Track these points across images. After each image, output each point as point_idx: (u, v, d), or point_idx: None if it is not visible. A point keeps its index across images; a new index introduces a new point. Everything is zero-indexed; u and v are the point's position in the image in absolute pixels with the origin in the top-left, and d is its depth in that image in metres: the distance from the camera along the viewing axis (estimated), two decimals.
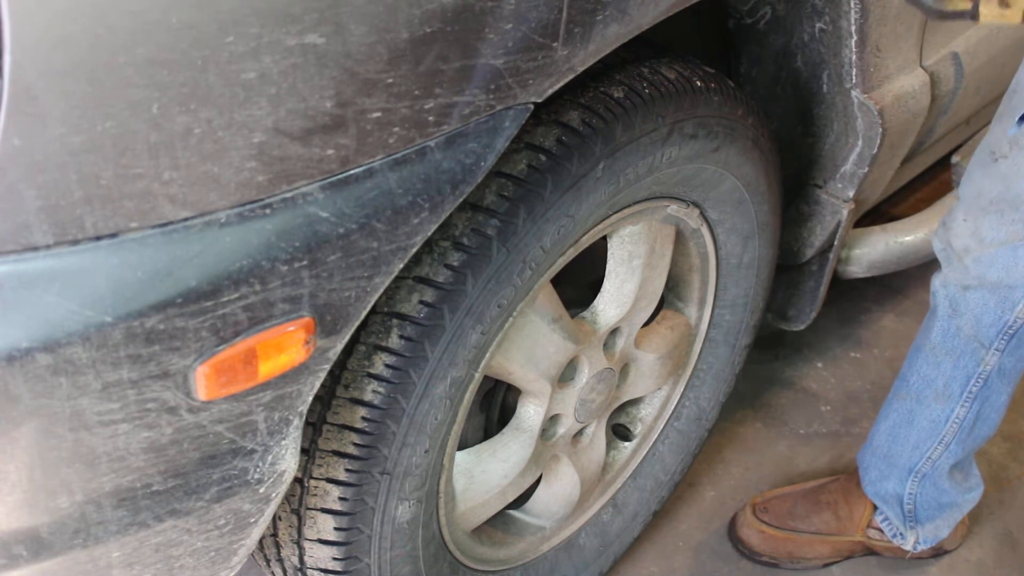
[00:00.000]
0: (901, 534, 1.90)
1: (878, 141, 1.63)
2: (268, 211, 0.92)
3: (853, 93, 1.58)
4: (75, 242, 0.85)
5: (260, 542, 1.39)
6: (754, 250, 1.73)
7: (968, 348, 1.67)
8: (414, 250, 1.04)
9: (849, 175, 1.70)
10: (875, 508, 1.91)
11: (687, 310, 1.78)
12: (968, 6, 1.15)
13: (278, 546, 1.37)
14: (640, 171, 1.37)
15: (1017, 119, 1.48)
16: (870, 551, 1.96)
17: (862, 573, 1.96)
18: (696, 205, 1.58)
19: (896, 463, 1.82)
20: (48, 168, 0.82)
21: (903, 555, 1.94)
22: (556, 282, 1.45)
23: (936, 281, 1.68)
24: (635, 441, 1.85)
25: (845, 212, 1.75)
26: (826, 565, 1.96)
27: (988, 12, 1.15)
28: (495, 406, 1.61)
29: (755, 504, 1.98)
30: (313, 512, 1.28)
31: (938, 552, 1.97)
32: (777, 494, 2.00)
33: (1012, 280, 1.56)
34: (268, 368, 0.99)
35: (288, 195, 0.93)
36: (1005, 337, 1.63)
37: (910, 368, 1.78)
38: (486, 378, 1.45)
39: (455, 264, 1.20)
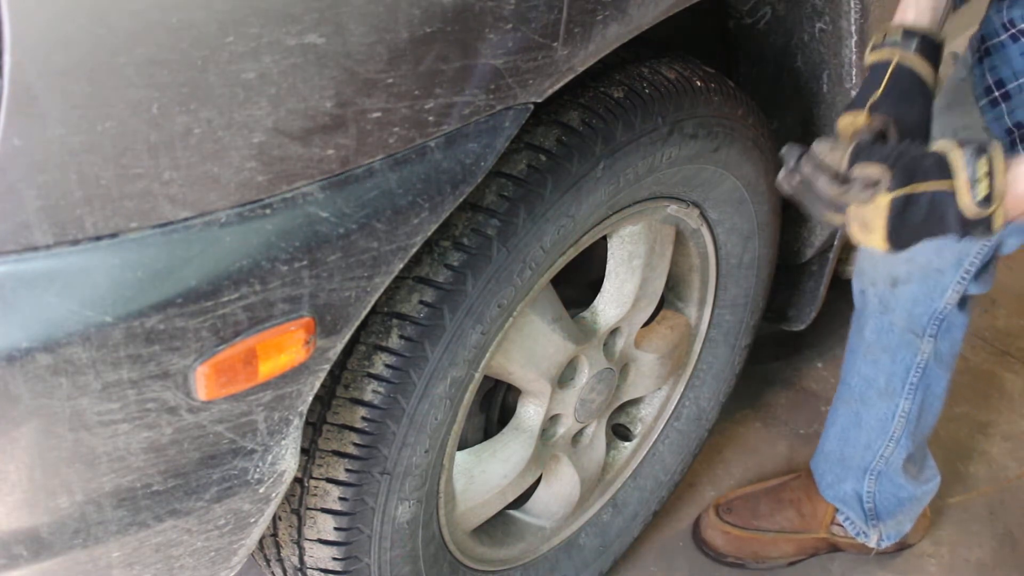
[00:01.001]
0: (864, 532, 1.90)
1: None
2: (268, 211, 0.92)
3: (853, 93, 1.58)
4: (75, 242, 0.85)
5: (260, 542, 1.39)
6: (754, 250, 1.73)
7: (903, 341, 1.68)
8: (414, 250, 1.04)
9: None
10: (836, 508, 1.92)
11: (687, 310, 1.78)
12: (842, 221, 1.18)
13: (278, 546, 1.37)
14: (640, 171, 1.37)
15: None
16: (835, 548, 1.96)
17: (862, 573, 1.96)
18: (696, 205, 1.58)
19: (850, 465, 1.83)
20: (48, 168, 0.82)
21: (868, 552, 1.95)
22: (556, 282, 1.45)
23: (861, 282, 1.70)
24: (635, 441, 1.85)
25: None
26: (792, 563, 1.96)
27: (854, 233, 1.18)
28: (495, 406, 1.61)
29: (718, 505, 1.98)
30: (313, 512, 1.28)
31: (902, 546, 1.97)
32: (740, 494, 2.00)
33: (940, 264, 1.57)
34: (268, 368, 0.99)
35: (288, 195, 0.93)
36: (936, 322, 1.64)
37: (850, 371, 1.79)
38: (486, 378, 1.45)
39: (455, 264, 1.20)
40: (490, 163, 1.05)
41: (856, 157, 1.14)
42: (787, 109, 1.71)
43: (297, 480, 1.27)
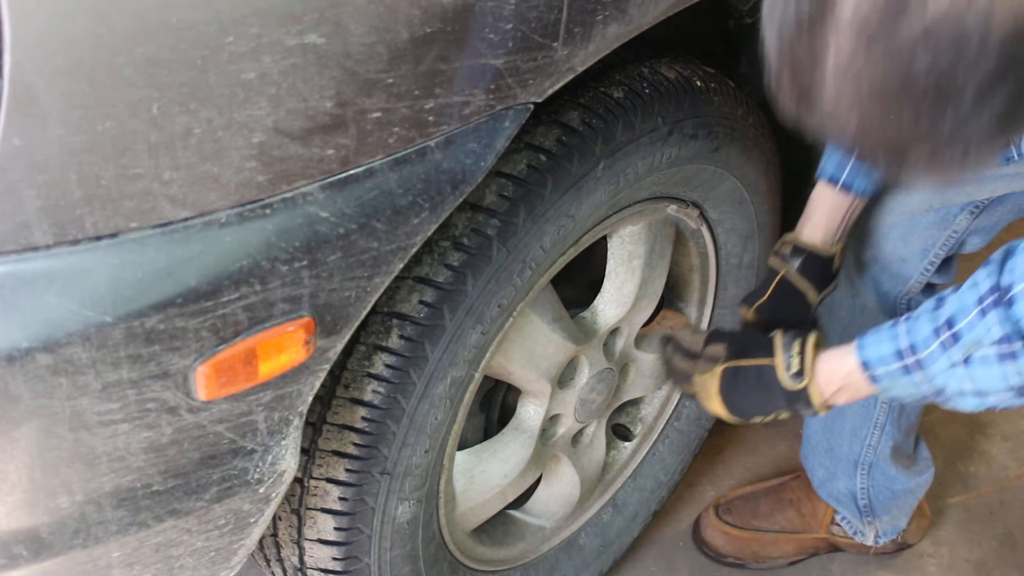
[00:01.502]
0: (860, 531, 1.90)
1: None
2: (268, 211, 0.92)
3: None
4: (75, 242, 0.85)
5: (260, 542, 1.39)
6: (754, 250, 1.73)
7: (876, 323, 1.68)
8: (414, 250, 1.04)
9: None
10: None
11: (687, 310, 1.78)
12: (693, 391, 1.44)
13: (278, 546, 1.37)
14: (640, 171, 1.37)
15: None
16: (835, 548, 1.96)
17: (862, 573, 1.96)
18: (696, 205, 1.58)
19: (838, 456, 1.82)
20: (48, 168, 0.82)
21: (867, 551, 1.95)
22: (556, 282, 1.45)
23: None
24: (635, 441, 1.85)
25: None
26: (792, 563, 1.96)
27: (700, 400, 1.43)
28: (495, 406, 1.61)
29: (718, 505, 1.98)
30: (313, 512, 1.28)
31: (902, 546, 1.97)
32: (740, 493, 2.00)
33: (905, 253, 1.58)
34: (268, 368, 0.99)
35: (288, 195, 0.93)
36: (904, 306, 1.64)
37: None
38: (486, 378, 1.45)
39: (455, 264, 1.20)
40: (490, 163, 1.05)
41: (709, 340, 1.41)
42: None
43: (297, 480, 1.27)
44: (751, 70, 1.69)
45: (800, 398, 1.33)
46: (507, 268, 1.25)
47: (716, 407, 1.39)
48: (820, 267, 1.43)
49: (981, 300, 1.16)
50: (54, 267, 0.85)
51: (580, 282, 1.62)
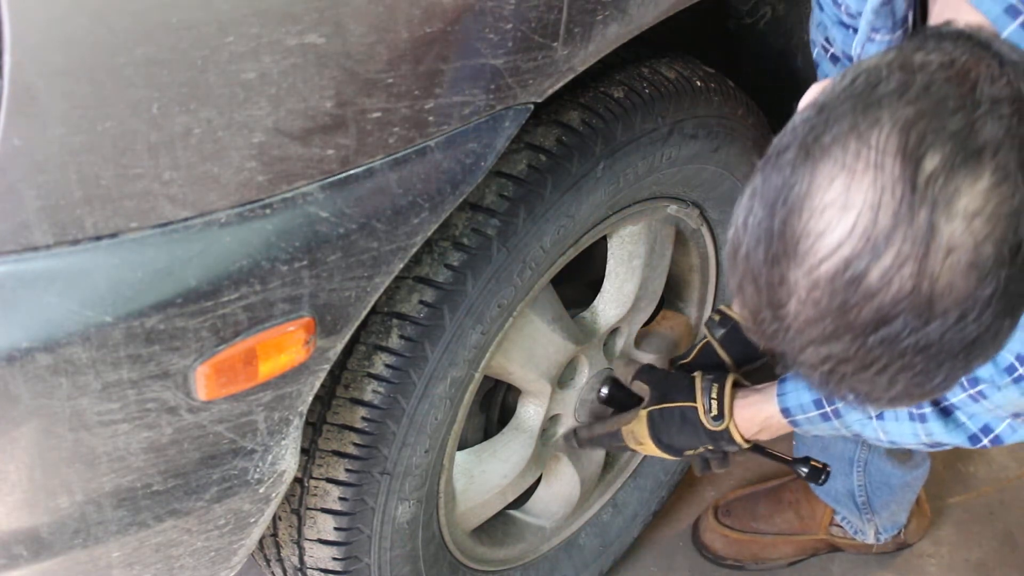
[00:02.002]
0: (861, 530, 1.90)
1: None
2: (268, 211, 0.92)
3: None
4: (75, 242, 0.85)
5: (260, 542, 1.39)
6: None
7: None
8: (414, 250, 1.04)
9: None
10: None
11: (687, 310, 1.78)
12: (624, 445, 1.53)
13: (278, 546, 1.37)
14: (640, 171, 1.37)
15: None
16: (835, 548, 1.96)
17: (862, 573, 1.96)
18: (696, 205, 1.58)
19: (833, 455, 1.82)
20: (48, 168, 0.82)
21: (868, 550, 1.94)
22: (556, 282, 1.45)
23: None
24: None
25: None
26: (792, 564, 1.96)
27: (634, 448, 1.52)
28: (495, 406, 1.61)
29: (716, 507, 1.98)
30: (313, 512, 1.28)
31: (902, 545, 1.97)
32: (739, 495, 2.00)
33: None
34: (268, 368, 0.99)
35: (288, 195, 0.93)
36: None
37: None
38: (486, 378, 1.45)
39: (455, 264, 1.20)
40: (490, 163, 1.05)
41: (637, 374, 1.50)
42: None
43: (297, 480, 1.27)
44: (751, 70, 1.69)
45: (722, 436, 1.42)
46: (507, 268, 1.25)
47: (650, 448, 1.48)
48: (742, 341, 1.45)
49: None
50: (54, 267, 0.85)
51: (580, 282, 1.62)
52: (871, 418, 1.27)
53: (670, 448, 1.47)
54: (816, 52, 1.35)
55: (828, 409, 1.31)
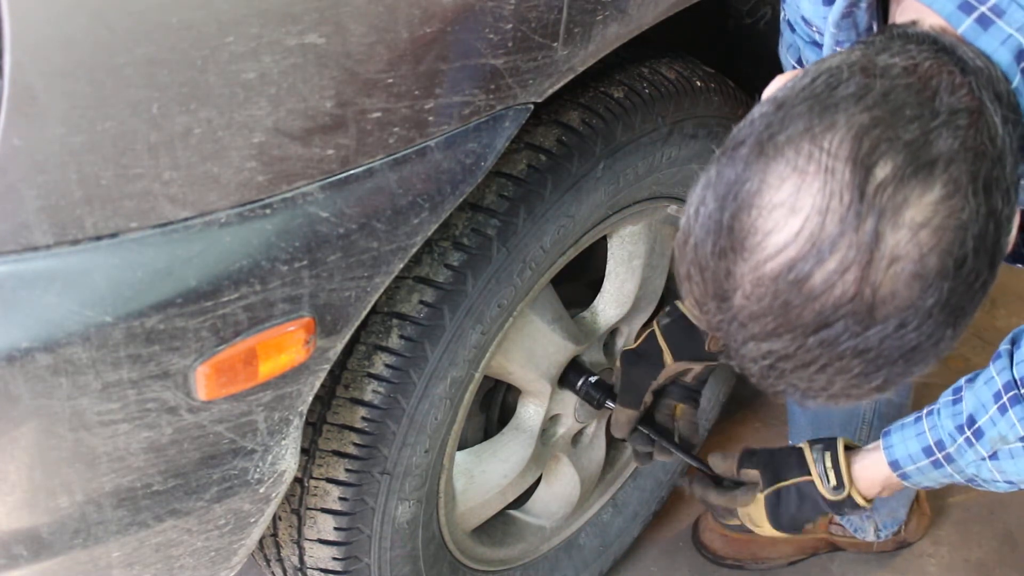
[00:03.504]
0: (861, 528, 1.90)
1: None
2: (268, 211, 0.92)
3: None
4: (75, 242, 0.85)
5: (260, 542, 1.39)
6: None
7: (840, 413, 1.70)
8: (414, 250, 1.04)
9: None
10: None
11: None
12: (737, 521, 1.46)
13: (278, 546, 1.37)
14: (640, 171, 1.37)
15: None
16: (835, 547, 1.96)
17: (862, 572, 1.96)
18: None
19: None
20: (48, 168, 0.82)
21: (869, 548, 1.94)
22: (556, 282, 1.45)
23: None
24: None
25: None
26: (792, 563, 1.96)
27: (751, 528, 1.45)
28: (495, 406, 1.61)
29: None
30: (313, 512, 1.28)
31: (902, 544, 1.97)
32: None
33: None
34: (268, 368, 0.99)
35: (288, 195, 0.93)
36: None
37: None
38: (486, 378, 1.45)
39: (455, 264, 1.20)
40: (490, 163, 1.05)
41: (741, 463, 1.41)
42: None
43: (297, 480, 1.27)
44: (751, 70, 1.69)
45: (845, 504, 1.36)
46: (507, 268, 1.25)
47: (767, 530, 1.43)
48: (685, 334, 1.42)
49: (999, 396, 1.18)
50: (54, 267, 0.85)
51: (580, 282, 1.62)
52: (984, 459, 1.23)
53: (789, 527, 1.41)
54: None
55: (939, 455, 1.27)
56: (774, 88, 0.87)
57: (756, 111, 0.83)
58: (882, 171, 0.75)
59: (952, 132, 0.77)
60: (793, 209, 0.76)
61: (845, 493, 1.34)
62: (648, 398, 1.46)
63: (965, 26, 0.86)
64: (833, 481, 1.34)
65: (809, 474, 1.36)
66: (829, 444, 1.36)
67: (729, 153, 0.81)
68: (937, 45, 0.83)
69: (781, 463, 1.40)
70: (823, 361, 0.79)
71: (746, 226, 0.78)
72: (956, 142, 0.77)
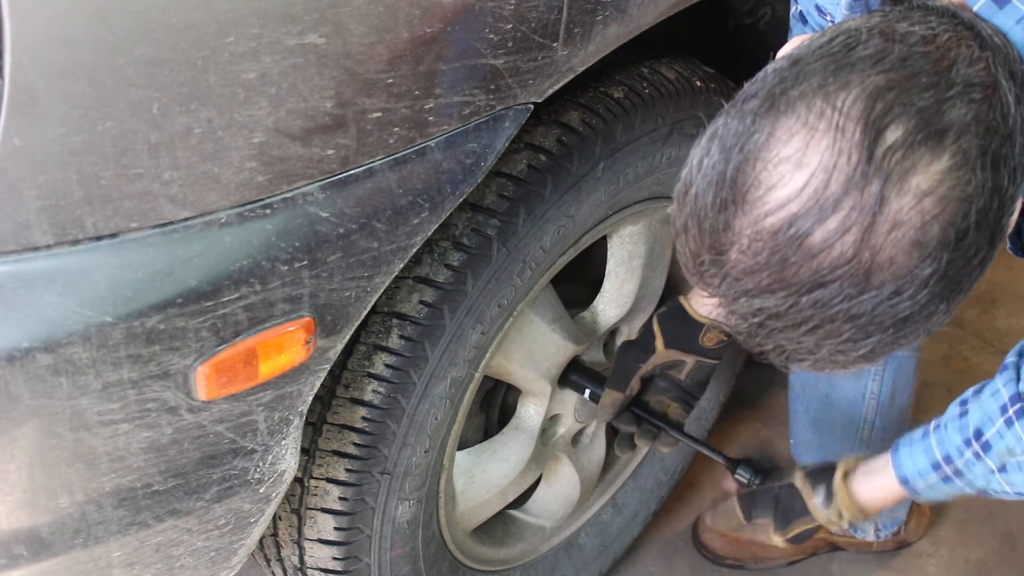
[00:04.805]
0: (861, 528, 1.90)
1: None
2: (268, 211, 0.92)
3: None
4: (75, 242, 0.85)
5: (260, 542, 1.39)
6: None
7: (843, 416, 1.71)
8: (414, 250, 1.04)
9: None
10: None
11: None
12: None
13: (278, 546, 1.37)
14: (640, 171, 1.37)
15: None
16: (835, 547, 1.96)
17: (862, 572, 1.96)
18: None
19: (831, 453, 1.82)
20: (48, 168, 0.82)
21: (868, 548, 1.94)
22: (556, 282, 1.45)
23: None
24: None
25: None
26: (792, 563, 1.96)
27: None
28: (495, 406, 1.61)
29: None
30: (313, 512, 1.28)
31: (902, 544, 1.97)
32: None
33: None
34: (268, 368, 0.99)
35: (288, 195, 0.93)
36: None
37: None
38: (486, 378, 1.45)
39: (455, 264, 1.20)
40: (490, 163, 1.05)
41: (748, 510, 1.47)
42: None
43: (297, 480, 1.27)
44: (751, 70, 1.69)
45: (851, 525, 1.44)
46: (507, 268, 1.25)
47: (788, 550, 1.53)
48: (679, 323, 1.42)
49: (1004, 409, 1.18)
50: (54, 267, 0.85)
51: (580, 282, 1.62)
52: (993, 472, 1.23)
53: (804, 540, 1.50)
54: None
55: (948, 470, 1.27)
56: (789, 48, 0.86)
57: (770, 67, 0.82)
58: (892, 135, 0.74)
59: (966, 104, 0.76)
60: (799, 164, 0.75)
61: (847, 521, 1.39)
62: (636, 383, 1.45)
63: (980, 4, 0.85)
64: (835, 518, 1.39)
65: (809, 514, 1.41)
66: (822, 475, 1.40)
67: (739, 106, 0.80)
68: (957, 19, 0.82)
69: (787, 507, 1.43)
70: (814, 322, 0.78)
71: (749, 179, 0.77)
72: (969, 114, 0.76)
